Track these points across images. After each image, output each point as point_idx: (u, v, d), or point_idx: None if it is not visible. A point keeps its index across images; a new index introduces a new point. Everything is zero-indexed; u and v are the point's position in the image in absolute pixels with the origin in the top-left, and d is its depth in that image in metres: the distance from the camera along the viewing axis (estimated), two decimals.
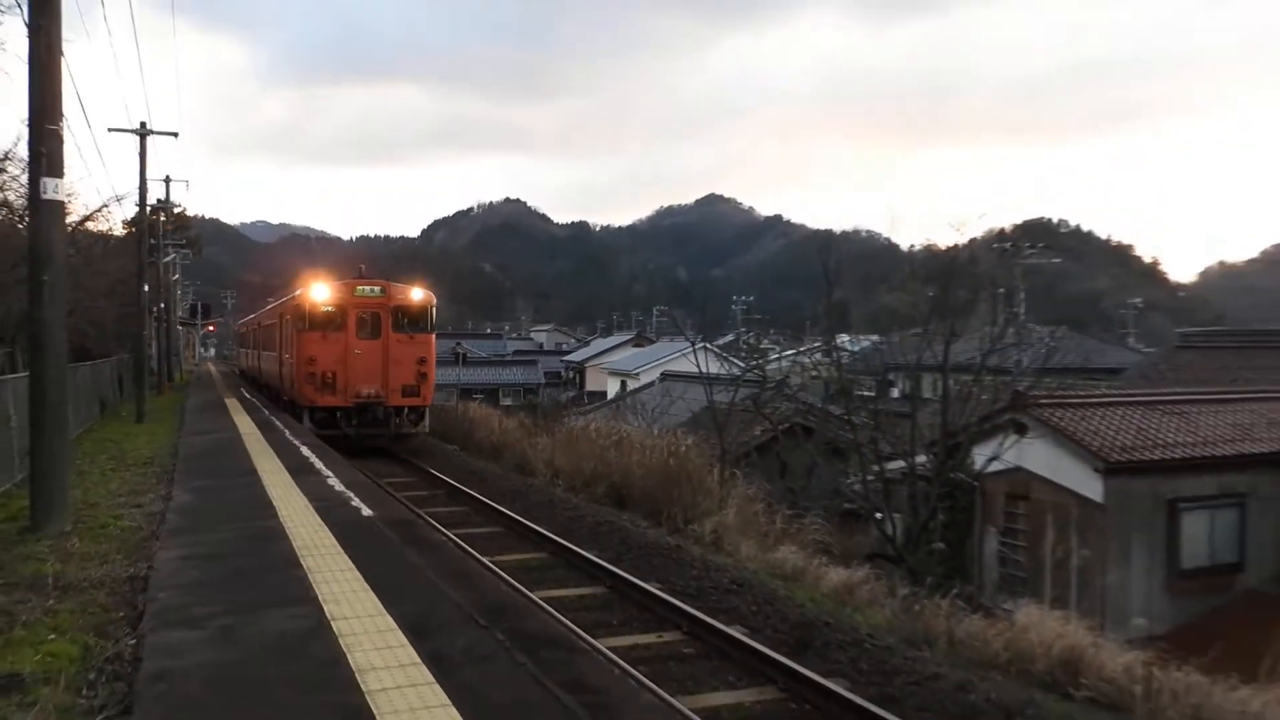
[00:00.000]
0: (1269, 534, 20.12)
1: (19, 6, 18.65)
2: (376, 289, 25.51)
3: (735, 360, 39.41)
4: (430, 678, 5.88)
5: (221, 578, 8.47)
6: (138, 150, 32.84)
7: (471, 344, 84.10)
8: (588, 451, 20.52)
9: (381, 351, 24.81)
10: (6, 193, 23.30)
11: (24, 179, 16.29)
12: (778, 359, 40.74)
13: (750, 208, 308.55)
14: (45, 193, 10.89)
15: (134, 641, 6.80)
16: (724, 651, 9.59)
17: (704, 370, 29.36)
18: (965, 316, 26.47)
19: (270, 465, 16.23)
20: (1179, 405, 21.94)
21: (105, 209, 35.03)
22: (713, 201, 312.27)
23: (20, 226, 20.79)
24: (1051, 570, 18.74)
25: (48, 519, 10.73)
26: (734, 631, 9.89)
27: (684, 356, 43.30)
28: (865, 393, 27.00)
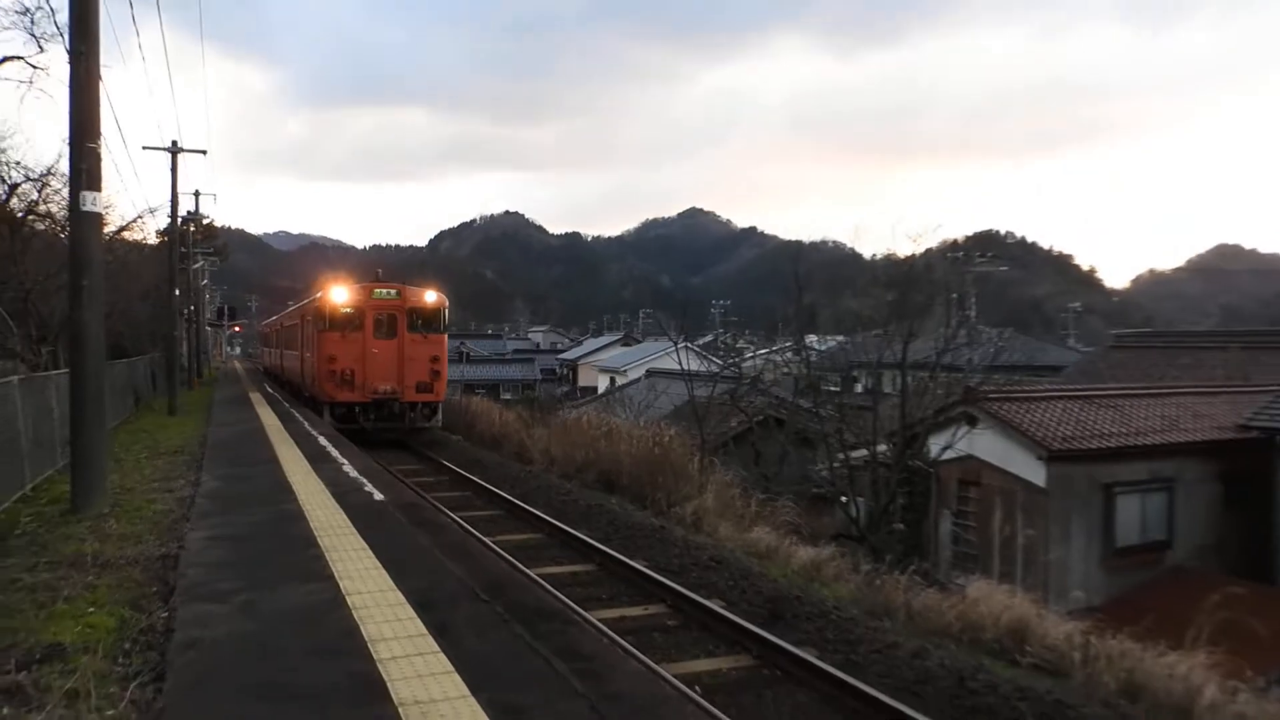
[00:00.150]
0: (1193, 515, 20.23)
1: (61, 35, 18.65)
2: (393, 292, 25.10)
3: (714, 358, 39.49)
4: (436, 647, 5.87)
5: (246, 556, 8.44)
6: (170, 167, 32.60)
7: (474, 343, 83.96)
8: (580, 441, 20.48)
9: (397, 350, 24.45)
10: (50, 205, 23.23)
11: (65, 192, 16.21)
12: (752, 357, 40.85)
13: (728, 220, 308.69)
14: (84, 205, 10.86)
15: (166, 614, 6.76)
16: (704, 623, 9.59)
17: (685, 368, 29.35)
18: (922, 319, 26.44)
19: (290, 454, 16.17)
20: (1114, 399, 22.04)
21: (140, 220, 35.06)
22: (694, 215, 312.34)
23: (62, 236, 20.69)
24: (999, 548, 18.80)
25: (87, 502, 10.69)
26: (713, 605, 9.89)
27: (667, 355, 43.30)
28: (831, 388, 27.10)
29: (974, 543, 20.22)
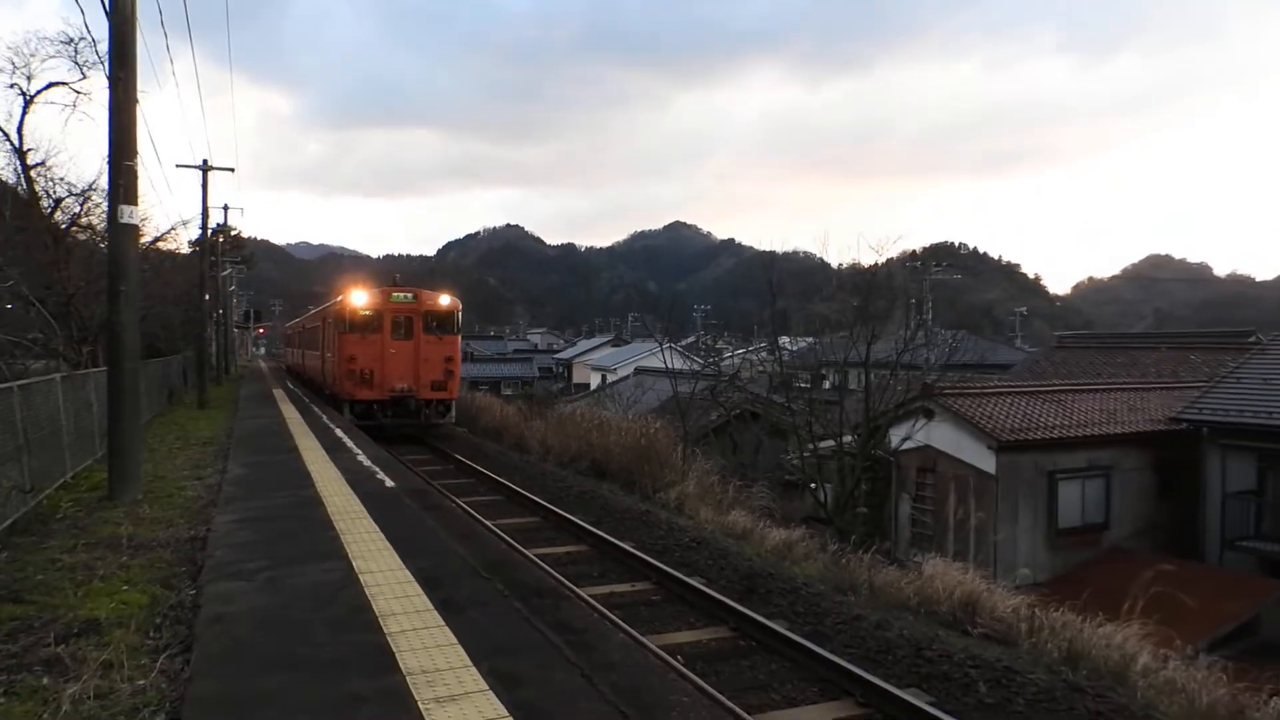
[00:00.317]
0: (1129, 499, 20.35)
1: (101, 63, 18.53)
2: (409, 295, 24.56)
3: (696, 358, 39.46)
4: (441, 621, 5.83)
5: (268, 538, 8.38)
6: (200, 183, 32.47)
7: (478, 344, 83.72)
8: (574, 433, 20.44)
9: (413, 351, 23.86)
10: (90, 218, 23.02)
11: (105, 206, 16.11)
12: (730, 357, 40.85)
13: (709, 232, 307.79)
14: (122, 218, 10.82)
15: (194, 591, 6.71)
16: (685, 598, 9.58)
17: (670, 366, 29.37)
18: (883, 322, 26.51)
19: (309, 444, 16.08)
20: (1057, 395, 22.13)
21: (173, 231, 34.61)
22: (678, 227, 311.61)
23: (102, 246, 20.51)
24: (953, 529, 18.86)
25: (123, 489, 10.61)
26: (694, 582, 9.87)
27: (653, 355, 43.35)
28: (802, 384, 27.09)
29: (930, 524, 20.28)
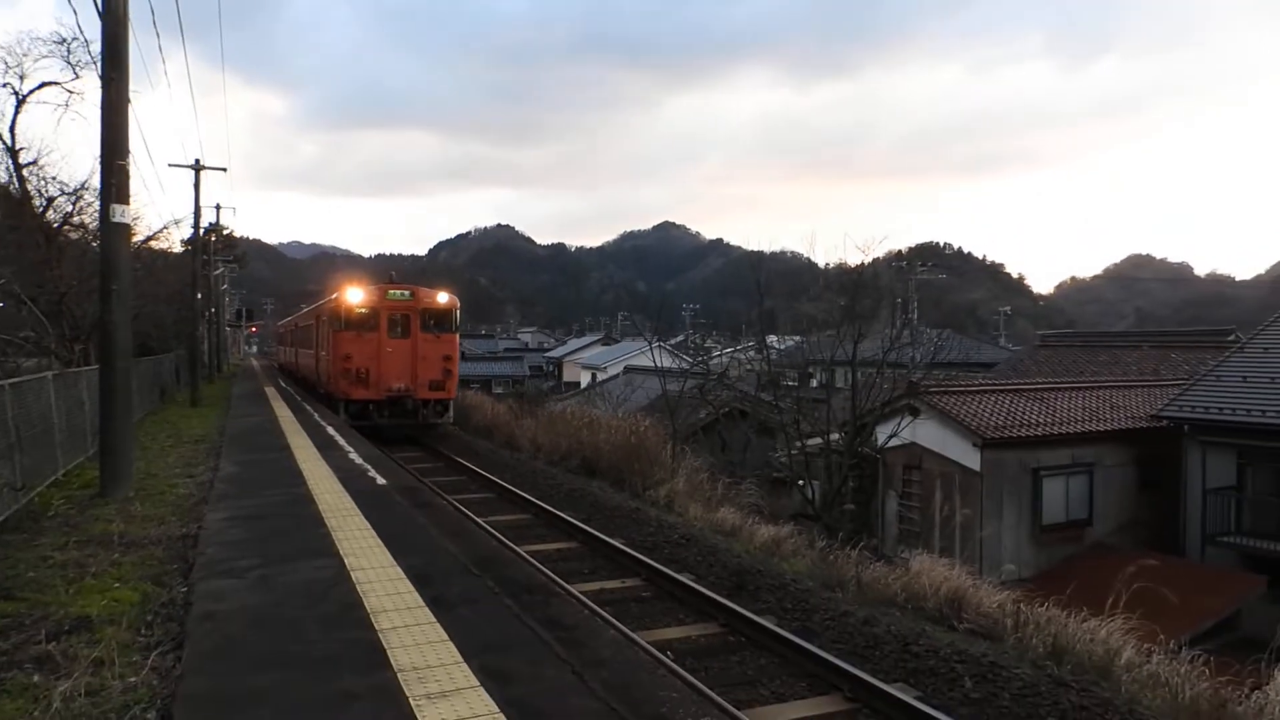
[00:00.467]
0: (1111, 495, 20.44)
1: (94, 63, 18.41)
2: (406, 293, 23.84)
3: (685, 357, 39.46)
4: (432, 618, 5.80)
5: (260, 535, 8.32)
6: (193, 182, 32.30)
7: (469, 343, 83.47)
8: (564, 431, 20.41)
9: (411, 350, 23.16)
10: (83, 216, 22.88)
11: (97, 205, 16.02)
12: (719, 355, 40.83)
13: (697, 233, 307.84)
14: (114, 217, 10.75)
15: (185, 589, 6.65)
16: (675, 594, 9.56)
17: (659, 365, 29.36)
18: (870, 321, 26.54)
19: (300, 442, 16.01)
20: (1040, 392, 22.20)
21: (166, 230, 34.48)
22: (667, 227, 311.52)
23: (94, 245, 20.39)
24: (939, 526, 18.90)
25: (114, 486, 10.53)
26: (683, 578, 9.86)
27: (643, 353, 43.26)
28: (790, 383, 27.11)
29: (917, 521, 20.32)
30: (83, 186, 22.31)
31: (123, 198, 10.78)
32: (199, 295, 33.98)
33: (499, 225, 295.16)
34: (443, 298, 24.18)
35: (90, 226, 22.46)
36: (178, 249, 39.00)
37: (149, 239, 31.40)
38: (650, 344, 33.62)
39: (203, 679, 4.81)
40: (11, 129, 21.25)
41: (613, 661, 5.35)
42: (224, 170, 36.46)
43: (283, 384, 37.77)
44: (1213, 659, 8.30)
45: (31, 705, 4.54)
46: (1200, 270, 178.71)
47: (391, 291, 23.80)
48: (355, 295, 23.31)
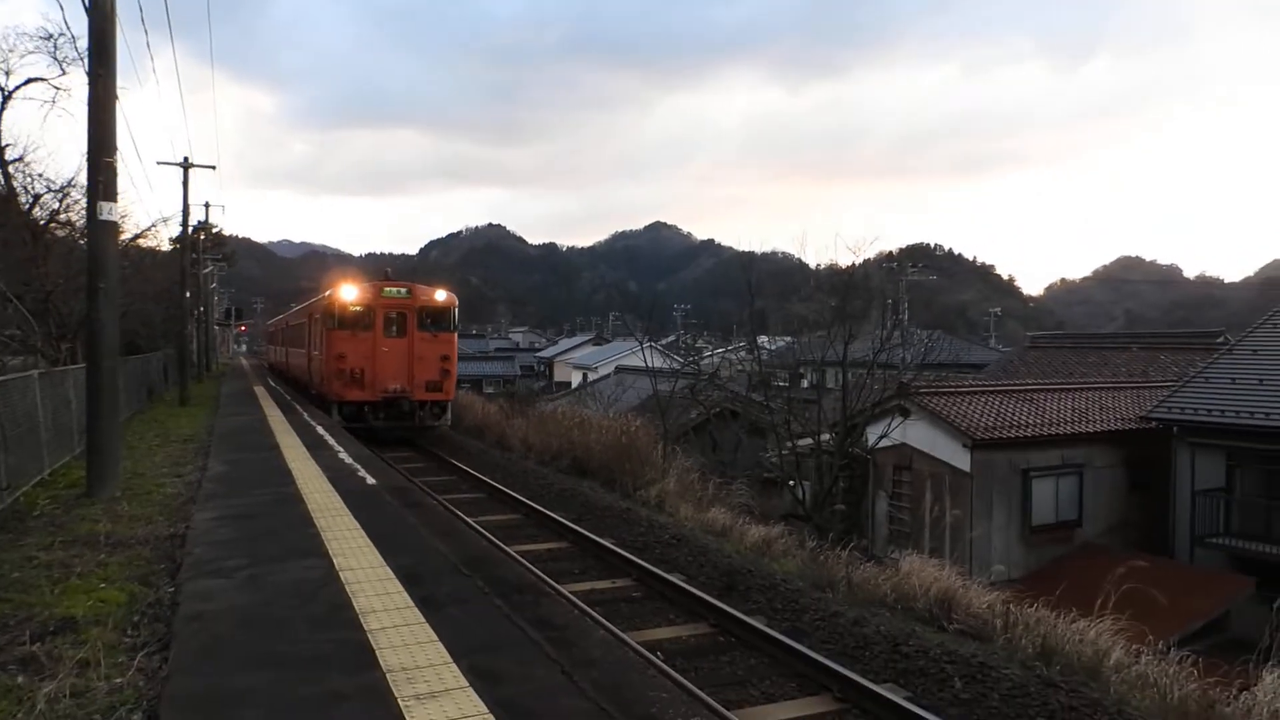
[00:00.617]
0: (1101, 497, 20.52)
1: (81, 59, 18.31)
2: (403, 290, 22.86)
3: (676, 357, 39.48)
4: (421, 618, 5.77)
5: (248, 535, 8.28)
6: (182, 180, 32.16)
7: (461, 342, 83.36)
8: (555, 431, 20.37)
9: (407, 349, 22.18)
10: (70, 214, 22.75)
11: (84, 203, 15.92)
12: (710, 356, 40.86)
13: (689, 233, 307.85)
14: (101, 214, 10.69)
15: (173, 589, 6.61)
16: (665, 595, 9.55)
17: (650, 365, 29.35)
18: (860, 322, 26.63)
19: (290, 441, 15.94)
20: (1030, 394, 22.27)
21: (154, 228, 34.37)
22: (658, 227, 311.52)
23: (81, 242, 20.29)
24: (929, 526, 18.94)
25: (101, 486, 10.47)
26: (674, 578, 9.85)
27: (634, 353, 43.25)
28: (780, 383, 27.15)
29: (907, 521, 20.36)
30: (70, 184, 22.23)
31: (110, 195, 10.72)
32: (187, 294, 33.85)
33: (490, 225, 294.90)
34: (440, 295, 23.27)
35: (77, 224, 22.36)
36: (166, 247, 38.84)
37: (137, 237, 31.34)
38: (641, 344, 33.61)
39: (189, 680, 4.78)
40: None
41: (603, 662, 5.34)
42: (213, 168, 35.93)
43: (272, 384, 37.64)
44: (1201, 660, 8.33)
45: (15, 707, 4.50)
46: (1190, 272, 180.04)
47: (387, 289, 22.95)
48: (350, 292, 22.39)
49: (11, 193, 21.47)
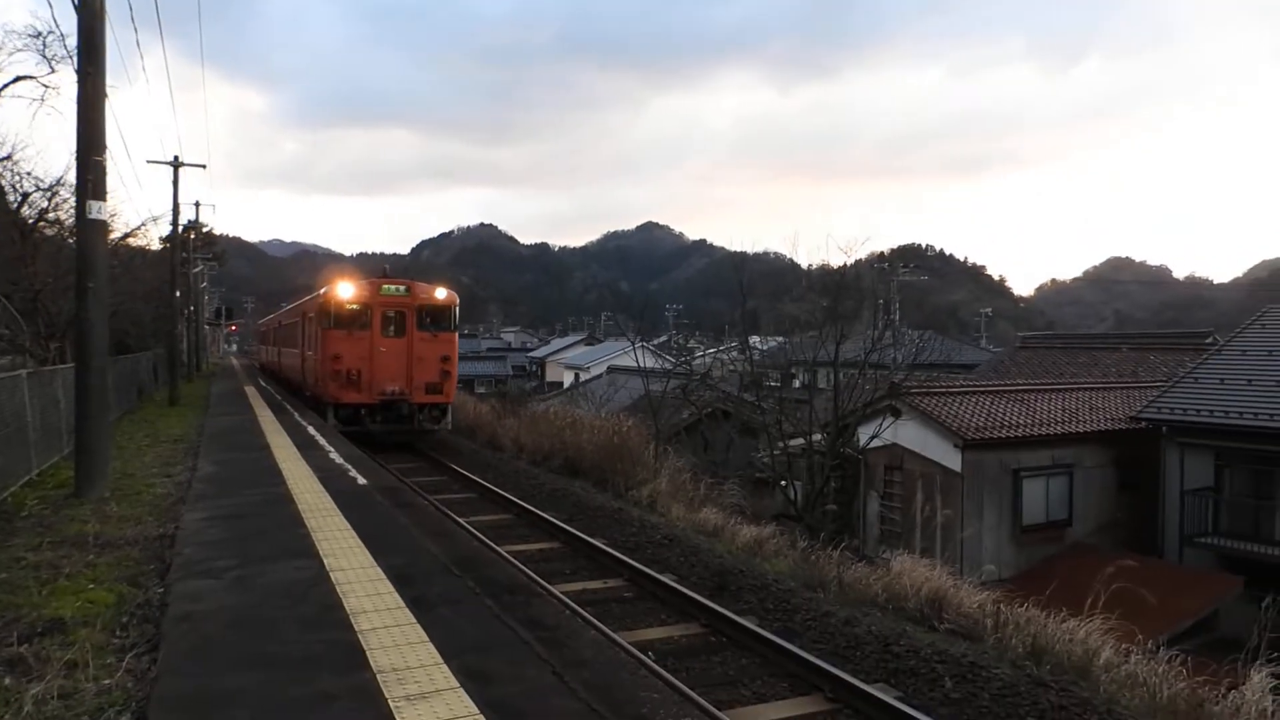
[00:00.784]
0: (1091, 496, 20.58)
1: (70, 57, 18.24)
2: (402, 288, 21.84)
3: (668, 357, 39.46)
4: (412, 618, 5.76)
5: (238, 535, 8.24)
6: (171, 179, 32.03)
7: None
8: (547, 431, 20.34)
9: (406, 349, 21.25)
10: (59, 213, 22.63)
11: (73, 201, 15.86)
12: (702, 356, 40.85)
13: (681, 233, 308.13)
14: (90, 213, 10.63)
15: (162, 590, 6.58)
16: (657, 595, 9.55)
17: (642, 365, 29.34)
18: (852, 322, 26.67)
19: (280, 441, 15.89)
20: (1021, 394, 22.32)
21: (144, 227, 34.10)
22: (650, 228, 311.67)
23: (70, 241, 20.20)
24: (920, 526, 18.96)
25: (90, 486, 10.42)
26: (665, 578, 9.85)
27: (626, 353, 43.25)
28: (772, 383, 27.16)
29: (898, 521, 20.39)
30: (59, 182, 22.11)
31: (99, 194, 10.67)
32: (177, 293, 33.72)
33: (482, 224, 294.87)
34: (441, 293, 22.35)
35: (66, 223, 22.24)
36: (156, 246, 38.69)
37: (127, 236, 31.14)
38: (633, 344, 33.62)
39: (179, 680, 4.75)
40: None
41: (594, 662, 5.33)
42: (203, 167, 35.82)
43: (263, 383, 37.50)
44: (1190, 659, 8.37)
45: (2, 709, 4.47)
46: (1179, 273, 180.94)
47: (385, 286, 21.86)
48: (346, 290, 21.39)
49: (0, 191, 21.37)
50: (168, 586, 6.58)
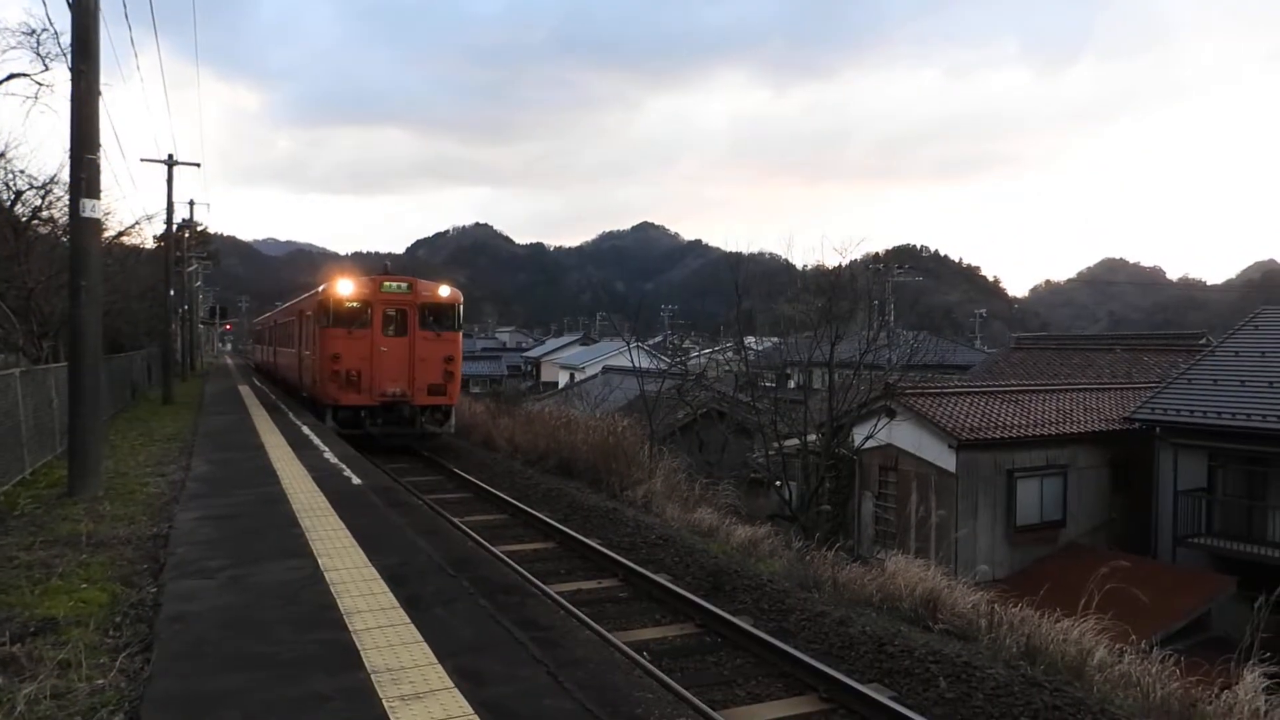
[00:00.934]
0: (1085, 497, 20.61)
1: (64, 55, 18.17)
2: (404, 285, 20.88)
3: (663, 357, 39.45)
4: (406, 618, 5.75)
5: (232, 535, 8.23)
6: (166, 178, 31.97)
7: None
8: (542, 431, 20.30)
9: (408, 349, 20.37)
10: (52, 211, 22.61)
11: (67, 200, 15.80)
12: (697, 356, 40.89)
13: (676, 233, 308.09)
14: (84, 211, 10.62)
15: (155, 589, 6.56)
16: (652, 595, 9.54)
17: (637, 365, 29.31)
18: (847, 323, 26.62)
19: (274, 441, 15.86)
20: (1015, 395, 22.36)
21: (138, 225, 34.17)
22: (645, 228, 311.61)
23: (63, 239, 20.14)
24: (915, 526, 18.99)
25: (83, 485, 10.39)
26: (660, 578, 9.84)
27: (621, 354, 43.27)
28: (767, 384, 27.18)
29: (893, 521, 20.41)
30: (52, 180, 22.06)
31: (93, 192, 10.66)
32: (171, 292, 33.64)
33: (477, 224, 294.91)
34: (444, 291, 21.42)
35: (60, 221, 22.21)
36: (150, 245, 38.60)
37: (121, 234, 31.14)
38: (629, 344, 33.59)
39: (172, 681, 4.74)
40: None
41: (588, 662, 5.32)
42: (198, 166, 35.54)
43: (258, 383, 37.42)
44: (1183, 659, 8.37)
45: None
46: (1173, 274, 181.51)
47: (387, 283, 20.93)
48: (345, 287, 20.48)
49: None
50: (161, 586, 6.57)
